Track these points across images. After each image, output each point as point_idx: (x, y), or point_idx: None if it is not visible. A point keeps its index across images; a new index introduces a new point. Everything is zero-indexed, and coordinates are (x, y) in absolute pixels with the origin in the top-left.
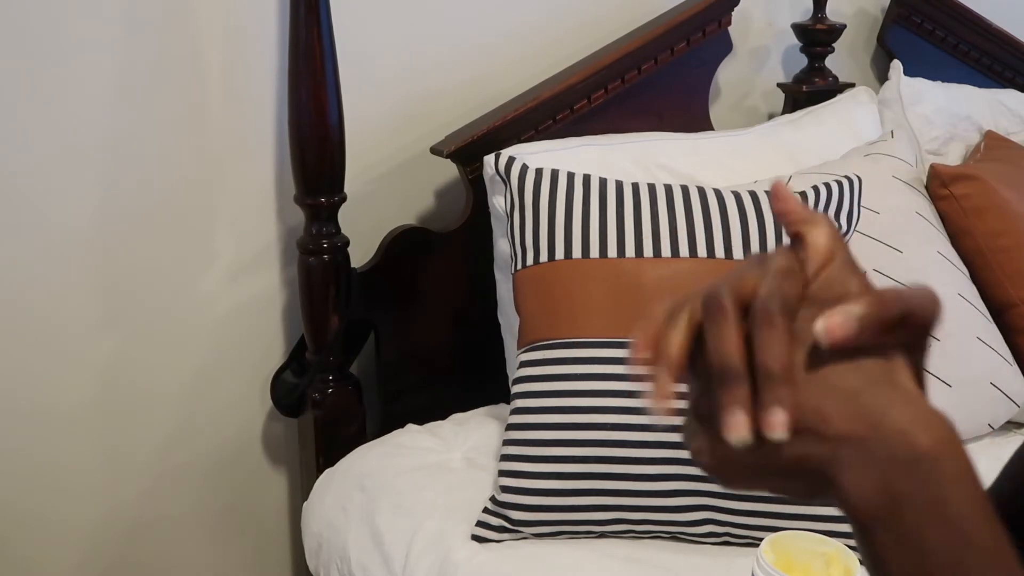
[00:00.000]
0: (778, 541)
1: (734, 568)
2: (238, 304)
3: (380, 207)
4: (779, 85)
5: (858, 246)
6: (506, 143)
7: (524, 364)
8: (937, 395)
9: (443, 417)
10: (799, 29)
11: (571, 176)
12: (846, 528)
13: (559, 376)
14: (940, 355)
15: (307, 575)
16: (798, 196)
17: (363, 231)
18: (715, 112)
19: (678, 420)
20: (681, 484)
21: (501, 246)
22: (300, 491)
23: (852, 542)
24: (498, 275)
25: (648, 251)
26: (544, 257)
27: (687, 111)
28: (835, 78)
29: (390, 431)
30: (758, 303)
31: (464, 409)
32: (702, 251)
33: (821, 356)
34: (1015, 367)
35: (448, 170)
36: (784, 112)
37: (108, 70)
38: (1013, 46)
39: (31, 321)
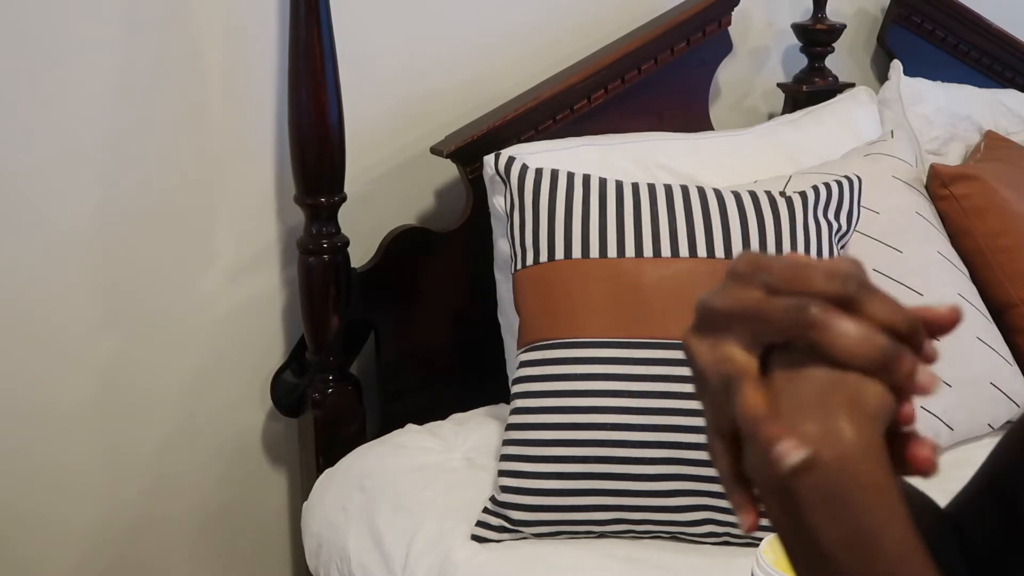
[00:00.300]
0: (778, 541)
1: (734, 568)
2: (238, 304)
3: (380, 207)
4: (779, 85)
5: (858, 246)
6: (506, 143)
7: (524, 364)
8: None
9: (443, 417)
10: (799, 29)
11: (571, 176)
12: None
13: (559, 376)
14: (940, 355)
15: (307, 575)
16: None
17: (363, 231)
18: (715, 112)
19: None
20: (681, 484)
21: (501, 246)
22: (300, 491)
23: None
24: (498, 275)
25: (648, 251)
26: (544, 257)
27: (687, 111)
28: (835, 78)
29: (390, 431)
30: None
31: (464, 409)
32: (702, 251)
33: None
34: (1015, 367)
35: (448, 170)
36: (784, 112)
37: (108, 70)
38: (1013, 46)
39: (31, 321)
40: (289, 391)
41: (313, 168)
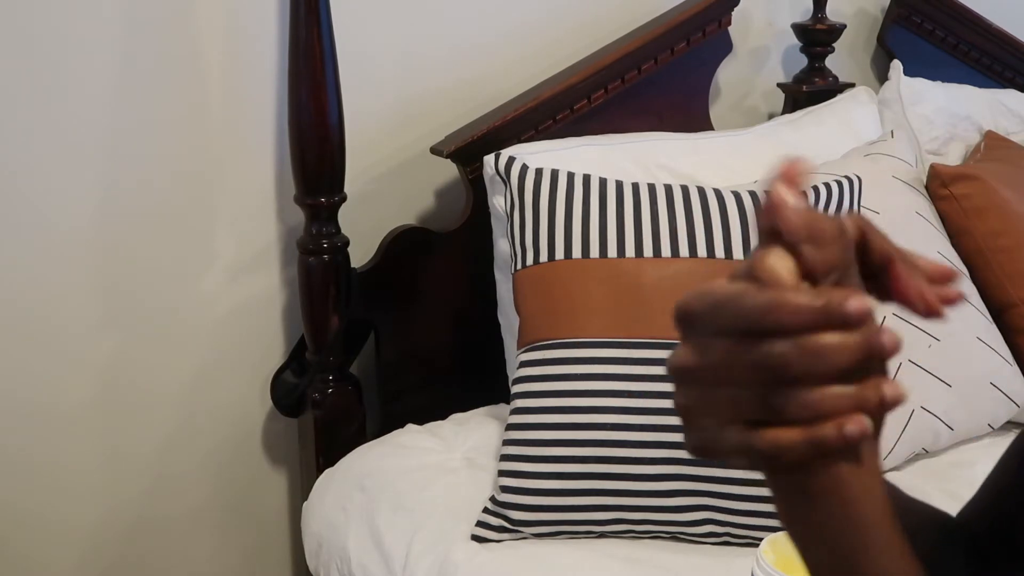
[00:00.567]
0: (778, 541)
1: (734, 568)
2: (238, 304)
3: (380, 207)
4: (779, 85)
5: None
6: (506, 143)
7: (524, 364)
8: (937, 395)
9: (443, 417)
10: (799, 29)
11: (571, 176)
12: None
13: (559, 376)
14: (940, 355)
15: (307, 575)
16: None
17: (363, 231)
18: (715, 112)
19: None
20: (681, 484)
21: (501, 246)
22: (300, 491)
23: None
24: (498, 275)
25: (648, 251)
26: (544, 257)
27: (687, 111)
28: (835, 78)
29: (390, 431)
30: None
31: (464, 409)
32: (702, 251)
33: None
34: (1015, 367)
35: (448, 170)
36: (784, 112)
37: (108, 70)
38: (1013, 46)
39: (31, 321)
40: (289, 391)
41: (313, 168)
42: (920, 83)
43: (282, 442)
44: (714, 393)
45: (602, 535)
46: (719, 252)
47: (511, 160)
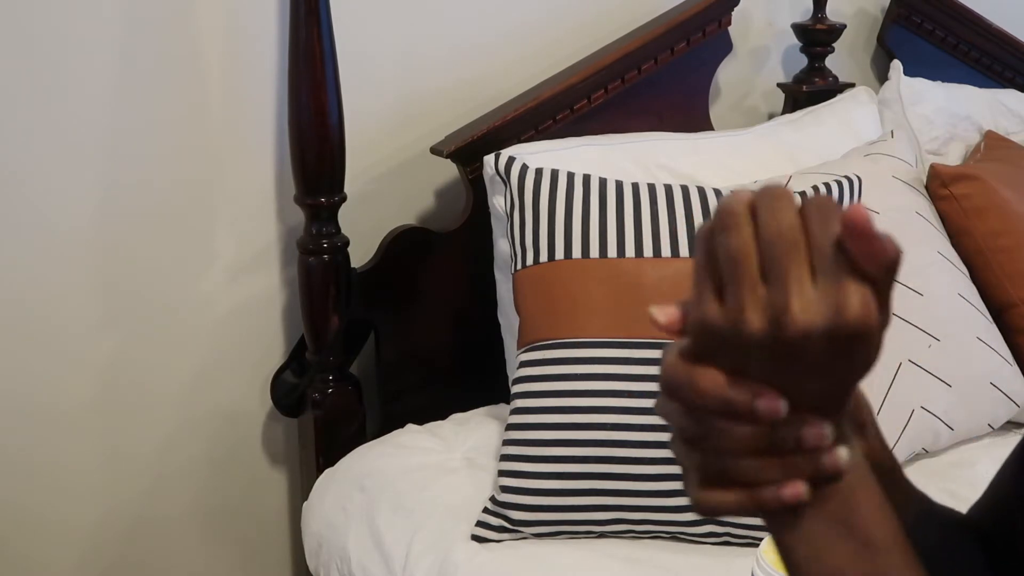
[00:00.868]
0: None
1: (734, 568)
2: (238, 304)
3: (380, 207)
4: (779, 85)
5: None
6: (506, 143)
7: (524, 364)
8: (937, 395)
9: (443, 417)
10: (799, 29)
11: (571, 176)
12: None
13: (559, 376)
14: (940, 355)
15: (307, 575)
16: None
17: (363, 231)
18: (715, 112)
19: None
20: (681, 484)
21: (501, 246)
22: (300, 491)
23: None
24: (498, 275)
25: (648, 251)
26: (544, 257)
27: (687, 111)
28: (835, 78)
29: (390, 431)
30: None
31: (464, 409)
32: None
33: None
34: (1015, 367)
35: (448, 170)
36: (784, 112)
37: (108, 70)
38: (1013, 46)
39: (31, 321)
40: (289, 391)
41: (313, 168)
42: (920, 83)
43: (282, 442)
44: (681, 449)
45: (602, 535)
46: None
47: (511, 160)
